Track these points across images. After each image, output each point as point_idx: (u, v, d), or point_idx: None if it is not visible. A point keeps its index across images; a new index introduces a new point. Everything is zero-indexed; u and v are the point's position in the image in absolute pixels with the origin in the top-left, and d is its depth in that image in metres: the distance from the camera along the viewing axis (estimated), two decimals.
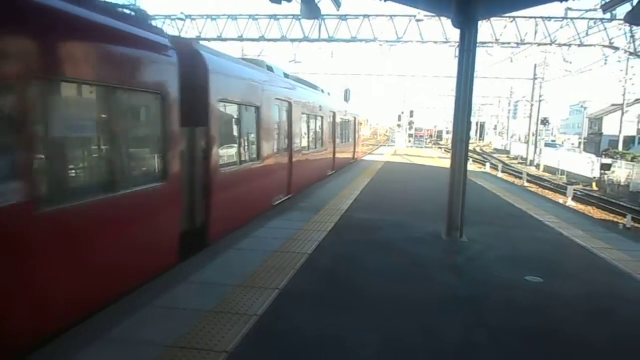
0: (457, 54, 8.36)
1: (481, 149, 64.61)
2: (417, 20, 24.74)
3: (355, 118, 24.87)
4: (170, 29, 25.96)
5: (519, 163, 44.62)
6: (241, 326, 4.27)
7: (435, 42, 25.64)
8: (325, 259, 6.57)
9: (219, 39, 26.79)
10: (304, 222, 8.75)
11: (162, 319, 4.40)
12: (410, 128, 51.72)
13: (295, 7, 9.92)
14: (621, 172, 27.62)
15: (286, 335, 4.22)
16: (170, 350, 3.79)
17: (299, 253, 6.69)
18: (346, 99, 25.66)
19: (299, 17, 25.38)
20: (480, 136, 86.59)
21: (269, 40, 26.73)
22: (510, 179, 28.20)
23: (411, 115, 51.62)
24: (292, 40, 26.67)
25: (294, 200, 11.33)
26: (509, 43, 25.47)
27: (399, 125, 50.93)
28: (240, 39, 26.83)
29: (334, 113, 18.82)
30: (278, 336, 4.20)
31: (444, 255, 7.20)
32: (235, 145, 8.73)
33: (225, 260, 6.35)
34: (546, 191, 25.42)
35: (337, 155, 19.21)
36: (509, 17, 24.35)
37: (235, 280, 5.44)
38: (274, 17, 26.30)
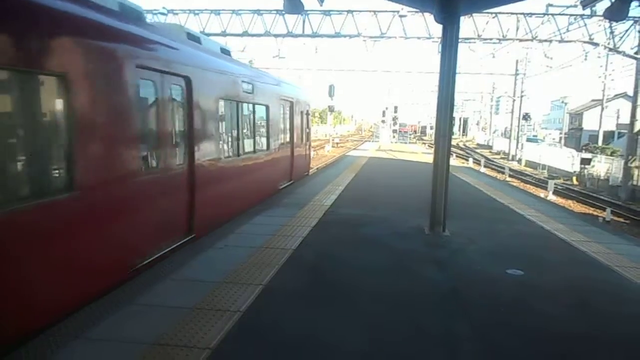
0: (440, 50, 8.40)
1: (464, 144, 65.19)
2: (401, 16, 24.81)
3: (307, 109, 16.41)
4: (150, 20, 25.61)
5: (501, 158, 45.13)
6: (224, 322, 4.26)
7: (419, 38, 25.76)
8: (309, 255, 6.57)
9: (203, 34, 26.55)
10: (288, 218, 8.73)
11: (143, 317, 4.36)
12: (395, 124, 51.89)
13: (279, 3, 9.88)
14: (601, 166, 28.13)
15: (270, 331, 4.21)
16: (153, 348, 3.76)
17: (283, 249, 6.69)
18: (330, 94, 25.63)
19: (283, 12, 25.30)
20: (463, 132, 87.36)
21: (252, 35, 26.59)
22: (493, 173, 28.53)
23: (395, 111, 51.80)
24: (276, 35, 26.57)
25: (279, 196, 11.29)
26: (491, 39, 25.69)
27: (383, 121, 51.05)
28: (224, 34, 26.62)
29: (292, 102, 13.79)
30: (261, 332, 4.19)
31: (427, 249, 7.25)
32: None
33: (208, 256, 6.31)
34: (528, 186, 25.76)
35: (277, 169, 12.57)
36: (491, 13, 24.58)
37: (218, 277, 5.41)
38: (257, 12, 26.18)
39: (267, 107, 11.31)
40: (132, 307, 4.54)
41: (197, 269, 5.77)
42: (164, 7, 26.60)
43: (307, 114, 16.27)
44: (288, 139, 13.65)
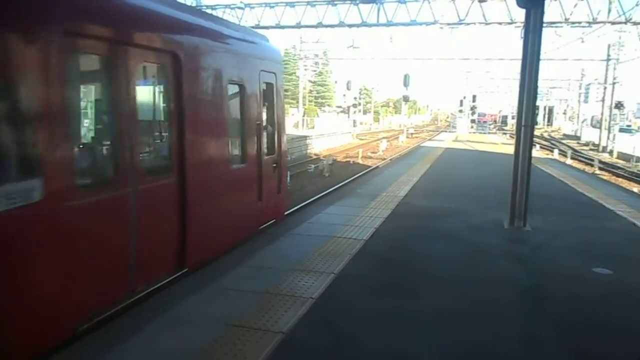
0: (522, 35, 7.98)
1: (549, 135, 61.50)
2: (480, 1, 23.74)
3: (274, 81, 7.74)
4: (231, 17, 26.47)
5: (590, 149, 42.11)
6: (297, 309, 4.35)
7: (500, 24, 24.53)
8: (382, 245, 6.54)
9: (278, 26, 27.08)
10: (360, 209, 8.73)
11: (219, 300, 4.55)
12: (473, 113, 50.09)
13: None
14: None
15: (341, 320, 4.25)
16: (228, 328, 3.92)
17: (355, 239, 6.70)
18: (405, 84, 25.14)
19: (357, 2, 25.16)
20: (548, 121, 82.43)
21: (326, 26, 26.70)
22: (581, 166, 26.70)
23: (474, 100, 50.03)
24: (350, 25, 26.47)
25: (352, 186, 11.31)
26: (580, 22, 23.91)
27: (460, 111, 49.50)
28: (299, 26, 26.98)
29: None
30: (333, 320, 4.23)
31: (506, 244, 6.96)
32: None
33: (282, 244, 6.46)
34: (620, 179, 23.87)
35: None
36: None
37: (291, 265, 5.53)
38: (331, 2, 26.18)
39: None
40: (208, 290, 4.75)
41: (271, 257, 5.93)
42: (241, 2, 27.41)
43: (277, 90, 7.69)
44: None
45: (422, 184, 12.15)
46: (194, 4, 24.69)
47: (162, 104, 5.38)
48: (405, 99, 48.48)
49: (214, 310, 4.29)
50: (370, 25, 26.12)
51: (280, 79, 7.78)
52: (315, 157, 28.68)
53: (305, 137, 32.70)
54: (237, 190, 6.54)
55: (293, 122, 49.75)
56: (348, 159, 27.85)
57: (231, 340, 3.73)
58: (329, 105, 70.48)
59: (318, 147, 33.07)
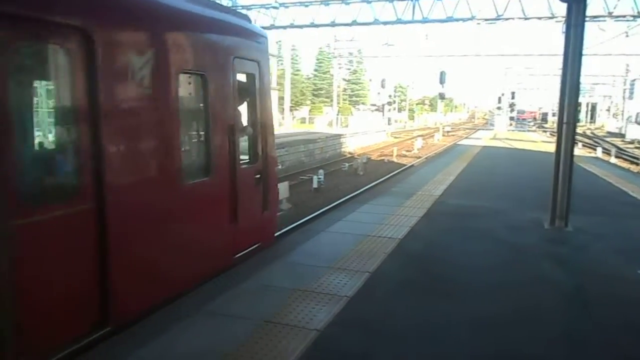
0: (564, 30, 7.74)
1: (592, 132, 59.31)
2: None
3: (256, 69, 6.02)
4: (265, 18, 26.74)
5: (635, 147, 40.39)
6: (332, 306, 4.35)
7: (540, 19, 23.85)
8: (418, 245, 6.47)
9: (312, 25, 27.16)
10: (395, 207, 8.66)
11: (255, 295, 4.61)
12: (512, 110, 48.91)
13: None
14: None
15: (377, 319, 4.23)
16: (264, 324, 3.97)
17: (390, 238, 6.65)
18: (441, 81, 24.76)
19: None
20: (591, 118, 79.58)
21: (361, 24, 26.60)
22: (626, 165, 25.65)
23: (512, 97, 48.82)
24: (385, 23, 26.29)
25: (386, 185, 11.24)
26: (624, 16, 22.97)
27: (499, 108, 48.39)
28: (333, 24, 26.99)
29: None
30: (368, 319, 4.22)
31: (547, 245, 6.76)
32: None
33: (317, 242, 6.48)
34: None
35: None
36: None
37: (326, 262, 5.54)
38: (366, 0, 26.04)
39: None
40: (244, 286, 4.82)
41: (306, 254, 5.95)
42: (275, 1, 27.60)
43: (260, 83, 6.08)
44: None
45: (459, 182, 11.95)
46: (229, 4, 25.05)
47: (61, 100, 3.90)
48: (441, 96, 47.74)
49: (249, 306, 4.34)
50: (405, 23, 25.87)
51: (265, 68, 6.08)
52: (349, 155, 28.64)
53: (339, 136, 32.70)
54: (195, 212, 4.79)
55: (327, 121, 49.85)
56: (382, 158, 27.68)
57: (267, 336, 3.77)
58: (363, 103, 70.17)
59: (352, 145, 33.00)
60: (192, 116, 5.12)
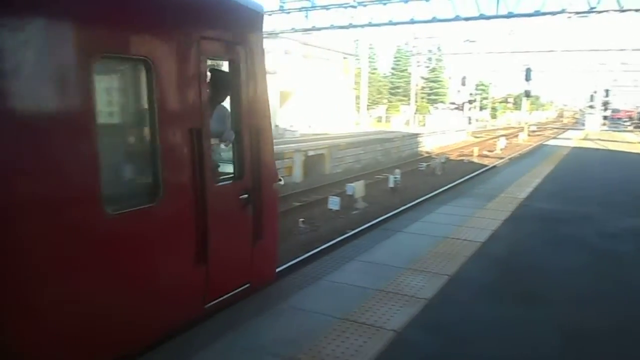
0: None
1: None
2: None
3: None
4: (343, 17, 26.80)
5: None
6: (410, 308, 4.29)
7: (637, 11, 21.92)
8: (500, 249, 6.21)
9: (390, 23, 26.83)
10: (476, 210, 8.37)
11: (333, 292, 4.66)
12: (605, 109, 45.49)
13: None
14: None
15: (456, 324, 4.11)
16: (342, 322, 4.00)
17: (471, 241, 6.44)
18: (527, 78, 23.47)
19: None
20: None
21: (440, 21, 25.86)
22: None
23: (606, 95, 45.38)
24: (467, 18, 25.35)
25: (466, 187, 10.90)
26: None
27: (590, 107, 45.20)
28: (412, 22, 26.46)
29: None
30: (447, 322, 4.12)
31: None
32: None
33: (394, 242, 6.42)
34: None
35: None
36: None
37: (404, 263, 5.47)
38: None
39: None
40: (324, 283, 4.89)
41: (383, 254, 5.91)
42: (354, 0, 27.59)
43: (248, 74, 4.40)
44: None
45: (546, 185, 11.31)
46: (308, 5, 25.42)
47: None
48: (527, 94, 45.44)
49: (326, 304, 4.39)
50: (488, 18, 24.77)
51: (256, 54, 4.45)
52: (426, 155, 28.07)
53: (416, 135, 32.16)
54: (130, 254, 3.34)
55: (404, 120, 49.15)
56: (462, 158, 26.83)
57: (343, 334, 3.80)
58: (442, 102, 68.39)
59: (430, 145, 32.32)
60: (123, 119, 3.77)
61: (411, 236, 6.72)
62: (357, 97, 44.13)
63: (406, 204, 12.64)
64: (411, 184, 17.19)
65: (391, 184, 15.73)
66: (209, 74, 4.15)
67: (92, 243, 3.06)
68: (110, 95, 3.58)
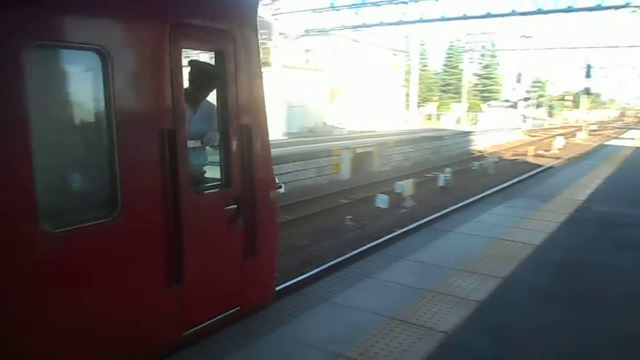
0: None
1: None
2: None
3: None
4: (394, 13, 26.48)
5: None
6: (461, 310, 4.20)
7: None
8: (556, 252, 5.96)
9: (442, 19, 26.28)
10: (531, 211, 8.07)
11: (382, 291, 4.64)
12: None
13: None
14: None
15: (508, 327, 3.99)
16: (391, 321, 3.96)
17: (525, 243, 6.22)
18: (588, 75, 22.35)
19: None
20: None
21: (495, 16, 25.07)
22: None
23: None
24: (523, 13, 24.46)
25: (520, 187, 10.54)
26: None
27: None
28: (465, 17, 25.80)
29: None
30: (499, 326, 4.00)
31: None
32: None
33: (445, 242, 6.30)
34: None
35: None
36: None
37: (455, 264, 5.36)
38: None
39: None
40: (372, 281, 4.87)
41: (434, 254, 5.81)
42: None
43: (237, 66, 3.70)
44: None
45: (606, 187, 10.76)
46: (358, 2, 25.30)
47: None
48: (587, 91, 43.36)
49: (374, 302, 4.37)
50: (546, 13, 23.81)
51: (249, 43, 3.80)
52: (478, 154, 27.33)
53: (467, 133, 31.38)
54: (89, 277, 2.87)
55: (455, 118, 48.06)
56: (516, 157, 25.93)
57: (392, 333, 3.77)
58: (495, 99, 66.35)
59: (482, 143, 31.43)
60: (70, 120, 3.08)
61: (462, 236, 6.58)
62: (407, 95, 43.56)
63: (457, 204, 12.37)
64: (462, 183, 16.79)
65: (441, 183, 15.44)
66: (188, 67, 3.70)
67: (26, 268, 2.54)
68: (52, 92, 2.92)
